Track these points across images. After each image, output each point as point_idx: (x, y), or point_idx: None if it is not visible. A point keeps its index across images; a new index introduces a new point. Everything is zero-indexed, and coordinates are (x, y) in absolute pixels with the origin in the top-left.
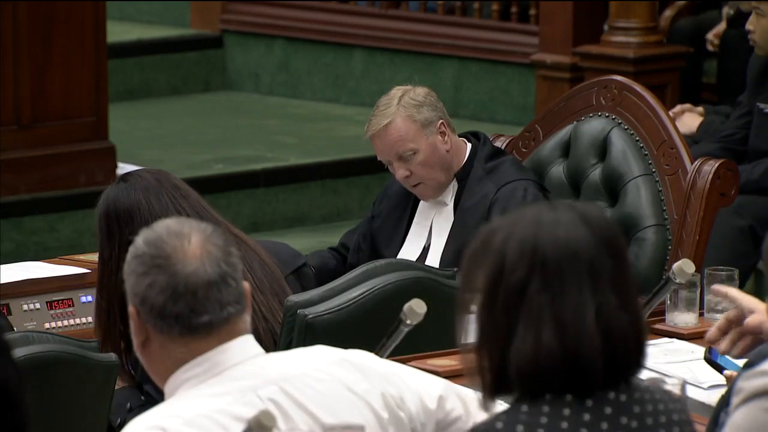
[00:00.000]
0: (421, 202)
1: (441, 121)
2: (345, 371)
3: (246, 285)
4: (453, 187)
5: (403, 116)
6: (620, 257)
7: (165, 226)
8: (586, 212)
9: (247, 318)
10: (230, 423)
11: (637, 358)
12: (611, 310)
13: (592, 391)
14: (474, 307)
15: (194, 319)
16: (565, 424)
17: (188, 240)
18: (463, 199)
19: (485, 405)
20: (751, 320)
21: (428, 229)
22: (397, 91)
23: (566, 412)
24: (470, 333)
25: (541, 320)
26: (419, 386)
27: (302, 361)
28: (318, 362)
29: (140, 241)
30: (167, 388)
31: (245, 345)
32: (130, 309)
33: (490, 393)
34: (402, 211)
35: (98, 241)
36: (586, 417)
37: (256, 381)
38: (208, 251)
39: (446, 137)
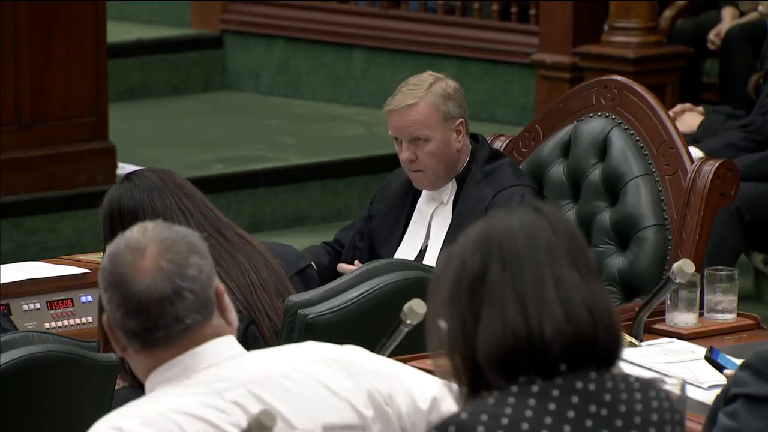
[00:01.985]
0: (420, 201)
1: (461, 120)
2: (327, 369)
3: (219, 286)
4: (452, 188)
5: (429, 102)
6: (576, 240)
7: (128, 237)
8: (538, 205)
9: (217, 321)
10: (188, 424)
11: (606, 335)
12: (571, 282)
13: (560, 373)
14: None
15: (149, 335)
16: (529, 413)
17: (142, 254)
18: (461, 202)
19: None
20: None
21: (426, 228)
22: (429, 77)
23: (531, 402)
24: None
25: (503, 300)
26: (413, 385)
27: (282, 361)
28: (299, 361)
29: (106, 254)
30: (146, 391)
31: (219, 348)
32: (104, 318)
33: (468, 393)
34: (400, 211)
35: (102, 240)
36: (552, 406)
37: (224, 384)
38: (161, 267)
39: (461, 136)
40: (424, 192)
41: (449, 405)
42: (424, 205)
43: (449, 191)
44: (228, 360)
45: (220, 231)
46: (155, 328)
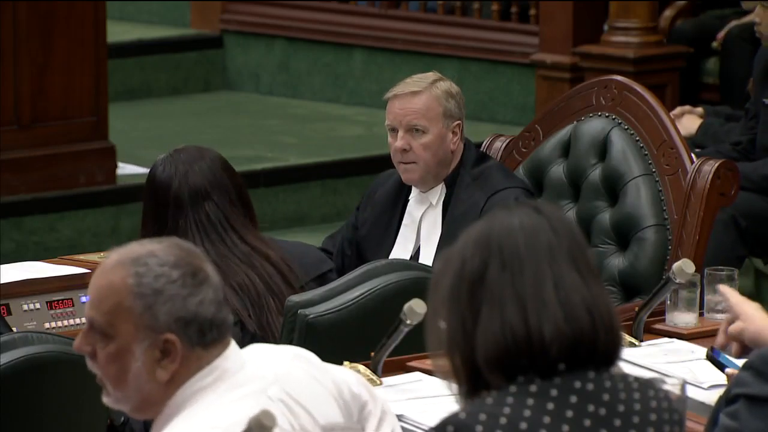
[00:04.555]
0: (409, 204)
1: (459, 122)
2: (307, 366)
3: None
4: (441, 190)
5: (433, 95)
6: (577, 241)
7: (172, 246)
8: (538, 205)
9: None
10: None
11: (606, 336)
12: (571, 283)
13: (558, 373)
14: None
15: (228, 319)
16: (528, 413)
17: (200, 253)
18: (452, 206)
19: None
20: (733, 327)
21: (416, 231)
22: (434, 75)
23: (530, 401)
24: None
25: (503, 300)
26: (343, 375)
27: (276, 361)
28: (285, 360)
29: (164, 269)
30: (174, 401)
31: (237, 350)
32: (170, 338)
33: (467, 392)
34: (390, 217)
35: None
36: (550, 406)
37: (260, 383)
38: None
39: (456, 138)
40: (413, 195)
41: (360, 389)
42: (413, 208)
43: (438, 193)
44: (246, 362)
45: (242, 237)
46: (228, 312)
